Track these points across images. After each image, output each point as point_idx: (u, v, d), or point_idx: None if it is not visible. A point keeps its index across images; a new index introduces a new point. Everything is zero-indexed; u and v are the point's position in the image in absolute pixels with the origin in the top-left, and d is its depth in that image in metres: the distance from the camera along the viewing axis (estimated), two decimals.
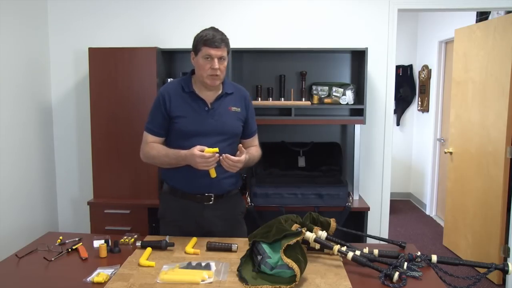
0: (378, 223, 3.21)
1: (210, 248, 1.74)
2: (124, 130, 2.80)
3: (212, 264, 1.57)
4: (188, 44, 3.01)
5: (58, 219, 3.29)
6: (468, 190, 3.64)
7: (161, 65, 2.84)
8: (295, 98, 2.99)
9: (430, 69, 5.16)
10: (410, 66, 5.64)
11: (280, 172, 2.81)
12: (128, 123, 2.79)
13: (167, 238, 1.82)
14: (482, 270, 1.73)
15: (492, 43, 3.33)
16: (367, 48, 2.80)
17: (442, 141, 4.86)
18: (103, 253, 1.69)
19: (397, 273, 1.46)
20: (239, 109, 1.96)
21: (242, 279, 1.47)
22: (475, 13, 3.99)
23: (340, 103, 2.89)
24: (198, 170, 1.76)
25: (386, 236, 3.21)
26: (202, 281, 1.45)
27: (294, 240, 1.47)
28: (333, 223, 1.77)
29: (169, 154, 1.85)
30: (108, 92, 2.78)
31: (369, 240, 2.47)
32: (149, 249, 1.71)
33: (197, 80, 1.91)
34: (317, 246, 1.60)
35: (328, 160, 2.87)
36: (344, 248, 1.61)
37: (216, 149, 1.73)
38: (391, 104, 3.14)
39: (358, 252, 1.58)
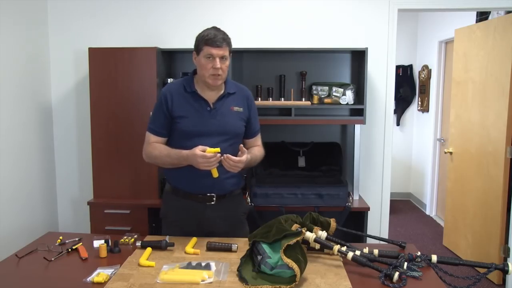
0: (378, 223, 3.21)
1: (210, 248, 1.74)
2: (124, 130, 2.80)
3: (212, 264, 1.57)
4: (188, 44, 3.04)
5: (58, 219, 3.29)
6: (468, 190, 3.64)
7: (161, 65, 2.84)
8: (295, 98, 2.99)
9: (430, 69, 5.16)
10: (410, 66, 5.65)
11: (280, 172, 2.81)
12: (128, 123, 2.79)
13: (167, 238, 1.82)
14: (482, 270, 1.73)
15: (492, 43, 3.33)
16: (367, 48, 2.80)
17: (442, 141, 4.86)
18: (103, 253, 1.69)
19: (397, 273, 1.46)
20: (241, 109, 1.96)
21: (242, 279, 1.47)
22: (475, 13, 3.99)
23: (340, 103, 2.89)
24: (200, 170, 1.76)
25: (386, 236, 3.21)
26: (202, 281, 1.45)
27: (294, 240, 1.47)
28: (333, 223, 1.77)
29: (171, 154, 1.85)
30: (108, 92, 2.78)
31: (369, 240, 2.47)
32: (149, 249, 1.71)
33: (199, 80, 1.91)
34: (317, 246, 1.60)
35: (328, 160, 2.87)
36: (344, 248, 1.61)
37: (218, 149, 1.73)
38: (391, 104, 3.14)
39: (358, 252, 1.58)
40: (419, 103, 5.51)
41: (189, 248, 1.73)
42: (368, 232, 2.86)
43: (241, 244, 1.76)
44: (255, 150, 2.02)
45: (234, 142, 1.90)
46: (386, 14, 3.05)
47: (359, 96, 2.90)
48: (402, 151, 5.78)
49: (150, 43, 3.02)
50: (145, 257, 1.64)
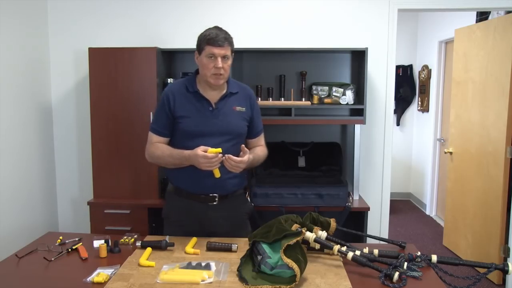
0: (378, 223, 3.21)
1: (210, 248, 1.74)
2: (124, 130, 2.80)
3: (212, 264, 1.57)
4: (188, 44, 3.05)
5: (58, 219, 3.29)
6: (468, 190, 3.64)
7: (161, 65, 2.84)
8: (295, 98, 2.99)
9: (430, 69, 5.16)
10: (410, 66, 5.65)
11: (280, 172, 2.81)
12: (128, 123, 2.79)
13: (167, 238, 1.82)
14: (482, 270, 1.73)
15: (492, 43, 3.33)
16: (367, 48, 2.80)
17: (442, 141, 4.86)
18: (103, 253, 1.69)
19: (397, 273, 1.46)
20: (244, 108, 1.95)
21: (242, 279, 1.47)
22: (475, 13, 3.99)
23: (340, 103, 2.89)
24: (202, 170, 1.76)
25: (386, 236, 3.21)
26: (202, 281, 1.45)
27: (294, 240, 1.47)
28: (333, 223, 1.77)
29: (173, 154, 1.85)
30: (108, 92, 2.78)
31: (369, 240, 2.47)
32: (149, 249, 1.71)
33: (201, 79, 1.91)
34: (317, 246, 1.60)
35: (328, 160, 2.87)
36: (344, 248, 1.61)
37: (219, 150, 1.73)
38: (391, 104, 3.14)
39: (358, 252, 1.58)
40: (419, 103, 5.51)
41: (189, 248, 1.73)
42: (368, 232, 2.86)
43: (241, 244, 1.76)
44: (257, 150, 2.01)
45: (236, 142, 1.89)
46: (386, 14, 3.05)
47: (359, 96, 2.90)
48: (402, 151, 5.78)
49: (150, 43, 3.02)
50: (145, 257, 1.64)
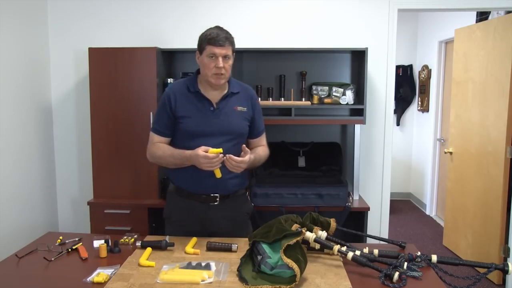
0: (378, 223, 3.21)
1: (210, 248, 1.74)
2: (124, 130, 2.80)
3: (212, 264, 1.57)
4: (188, 44, 3.05)
5: (58, 219, 3.29)
6: (468, 190, 3.64)
7: (161, 65, 2.84)
8: (295, 98, 2.99)
9: (430, 69, 5.16)
10: (410, 66, 5.65)
11: (280, 172, 2.81)
12: (128, 123, 2.79)
13: (167, 238, 1.82)
14: (482, 270, 1.73)
15: (492, 43, 3.33)
16: (367, 48, 2.80)
17: (442, 141, 4.86)
18: (103, 253, 1.69)
19: (397, 273, 1.46)
20: (245, 108, 1.95)
21: (242, 279, 1.47)
22: (475, 13, 3.99)
23: (340, 103, 2.89)
24: (203, 170, 1.76)
25: (386, 236, 3.21)
26: (202, 281, 1.45)
27: (294, 240, 1.47)
28: (333, 223, 1.77)
29: (174, 155, 1.85)
30: (108, 92, 2.78)
31: (369, 240, 2.47)
32: (149, 249, 1.71)
33: (203, 79, 1.90)
34: (317, 246, 1.60)
35: (328, 160, 2.87)
36: (344, 248, 1.61)
37: (220, 150, 1.73)
38: (391, 104, 3.14)
39: (358, 252, 1.58)
40: (419, 103, 5.51)
41: (189, 248, 1.73)
42: (368, 232, 2.86)
43: (241, 244, 1.76)
44: (259, 150, 2.01)
45: (238, 142, 1.89)
46: (386, 14, 3.05)
47: (359, 96, 2.90)
48: (402, 151, 5.78)
49: (150, 43, 3.02)
50: (145, 257, 1.64)
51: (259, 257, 1.51)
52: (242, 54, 3.00)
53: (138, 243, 1.76)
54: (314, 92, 2.96)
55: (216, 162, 1.73)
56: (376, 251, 1.64)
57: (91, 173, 2.87)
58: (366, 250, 1.65)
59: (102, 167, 2.83)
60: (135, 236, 1.88)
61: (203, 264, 1.57)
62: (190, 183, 1.91)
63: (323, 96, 2.95)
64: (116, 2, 3.10)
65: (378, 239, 1.92)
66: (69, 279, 1.52)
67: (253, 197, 2.67)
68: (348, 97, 2.89)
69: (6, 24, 2.68)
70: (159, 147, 1.91)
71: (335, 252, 1.58)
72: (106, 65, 2.77)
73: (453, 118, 3.95)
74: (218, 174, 1.79)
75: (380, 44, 3.08)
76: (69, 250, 1.74)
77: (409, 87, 5.63)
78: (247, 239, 1.70)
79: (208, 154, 1.72)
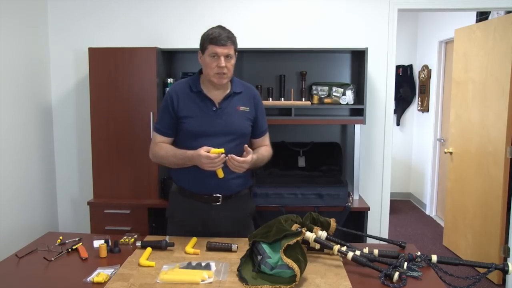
0: (378, 223, 3.21)
1: (210, 248, 1.74)
2: (124, 130, 2.80)
3: (212, 264, 1.57)
4: (188, 44, 3.05)
5: (58, 219, 3.29)
6: (468, 190, 3.64)
7: (161, 65, 2.84)
8: (295, 98, 2.99)
9: (430, 69, 5.16)
10: (410, 66, 5.65)
11: (280, 172, 2.81)
12: (128, 123, 2.79)
13: (167, 238, 1.82)
14: (482, 270, 1.73)
15: (492, 43, 3.33)
16: (367, 48, 2.80)
17: (442, 141, 4.86)
18: (103, 253, 1.69)
19: (397, 273, 1.46)
20: (247, 108, 1.94)
21: (242, 279, 1.47)
22: (475, 13, 3.99)
23: (340, 103, 2.89)
24: (206, 170, 1.75)
25: (386, 236, 3.21)
26: (202, 281, 1.45)
27: (294, 240, 1.47)
28: (333, 223, 1.77)
29: (177, 155, 1.85)
30: (108, 92, 2.78)
31: (369, 240, 2.47)
32: (149, 249, 1.71)
33: (205, 79, 1.90)
34: (317, 246, 1.60)
35: (328, 160, 2.87)
36: (344, 248, 1.61)
37: (222, 150, 1.72)
38: (391, 104, 3.14)
39: (358, 252, 1.58)
40: (419, 103, 5.51)
41: (189, 248, 1.73)
42: (368, 232, 2.86)
43: (241, 244, 1.76)
44: (262, 150, 2.00)
45: (240, 142, 1.88)
46: (386, 14, 3.05)
47: (359, 96, 2.90)
48: (402, 151, 5.78)
49: (150, 43, 3.02)
50: (145, 257, 1.64)
51: (259, 257, 1.51)
52: (242, 54, 2.99)
53: (138, 243, 1.76)
54: (314, 92, 2.96)
55: (218, 162, 1.72)
56: (376, 251, 1.64)
57: (91, 173, 2.87)
58: (366, 250, 1.65)
59: (102, 167, 2.83)
60: (135, 236, 1.88)
61: (203, 264, 1.57)
62: (192, 183, 1.91)
63: (323, 96, 2.95)
64: (116, 2, 3.10)
65: (378, 239, 1.92)
66: (69, 279, 1.52)
67: (253, 197, 2.67)
68: (348, 97, 2.89)
69: (6, 24, 2.68)
70: (162, 147, 1.91)
71: (335, 252, 1.58)
72: (106, 65, 2.77)
73: (453, 118, 3.95)
74: (221, 174, 1.79)
75: (380, 44, 3.08)
76: (69, 250, 1.74)
77: (409, 87, 5.63)
78: (247, 239, 1.70)
79: (210, 154, 1.71)
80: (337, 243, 1.66)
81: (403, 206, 5.59)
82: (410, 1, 3.05)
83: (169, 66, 3.03)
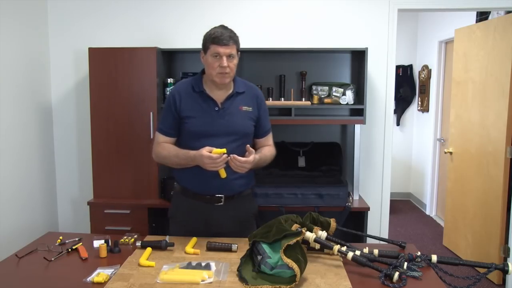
0: (378, 223, 3.21)
1: (210, 248, 1.74)
2: (124, 130, 2.79)
3: (212, 264, 1.57)
4: (188, 44, 3.05)
5: (58, 219, 3.29)
6: (468, 190, 3.64)
7: (161, 65, 2.84)
8: (295, 98, 2.99)
9: (430, 69, 5.16)
10: (410, 66, 5.65)
11: (280, 172, 2.81)
12: (128, 123, 2.79)
13: (167, 238, 1.82)
14: (482, 270, 1.73)
15: (492, 43, 3.33)
16: (367, 48, 2.80)
17: (442, 141, 4.86)
18: (103, 253, 1.69)
19: (397, 273, 1.46)
20: (250, 108, 1.94)
21: (242, 279, 1.47)
22: (475, 13, 3.99)
23: (340, 103, 2.89)
24: (208, 170, 1.75)
25: (386, 236, 3.21)
26: (202, 281, 1.45)
27: (294, 240, 1.47)
28: (333, 223, 1.77)
29: (179, 155, 1.85)
30: (108, 92, 2.78)
31: (369, 240, 2.47)
32: (149, 249, 1.71)
33: (207, 79, 1.90)
34: (317, 246, 1.60)
35: (328, 160, 2.87)
36: (344, 248, 1.61)
37: (224, 150, 1.72)
38: (391, 104, 3.14)
39: (358, 252, 1.58)
40: (419, 103, 5.51)
41: (189, 248, 1.73)
42: (368, 232, 2.86)
43: (241, 244, 1.76)
44: (265, 150, 1.99)
45: (243, 142, 1.87)
46: (386, 14, 3.05)
47: (359, 96, 2.90)
48: (402, 151, 5.78)
49: (150, 43, 3.02)
50: (145, 257, 1.64)
51: (259, 257, 1.51)
52: (242, 54, 2.95)
53: (138, 243, 1.76)
54: (314, 92, 2.96)
55: (220, 162, 1.72)
56: (376, 251, 1.64)
57: (91, 173, 2.87)
58: (366, 250, 1.65)
59: (102, 167, 2.83)
60: (135, 236, 1.88)
61: (203, 264, 1.57)
62: (195, 183, 1.90)
63: (323, 96, 2.95)
64: (116, 2, 3.10)
65: (378, 239, 1.92)
66: (69, 279, 1.52)
67: (253, 197, 2.67)
68: (348, 97, 2.89)
69: (6, 24, 2.68)
70: (164, 147, 1.90)
71: (335, 252, 1.58)
72: (106, 65, 2.77)
73: (453, 118, 3.95)
74: (223, 174, 1.78)
75: (380, 44, 3.08)
76: (69, 250, 1.74)
77: (409, 87, 5.63)
78: (247, 239, 1.70)
79: (211, 155, 1.71)
80: (337, 243, 1.66)
81: (403, 206, 5.59)
82: (410, 1, 3.05)
83: (169, 66, 3.03)
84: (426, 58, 5.29)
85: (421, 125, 5.52)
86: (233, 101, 1.91)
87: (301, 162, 2.85)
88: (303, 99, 2.97)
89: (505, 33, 3.17)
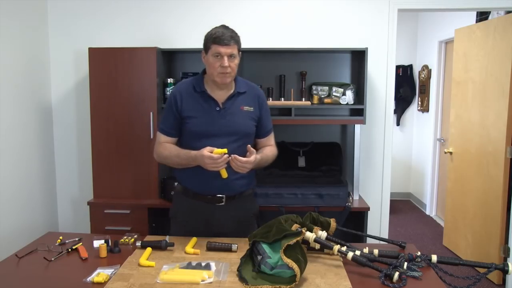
0: (378, 223, 3.21)
1: (210, 248, 1.74)
2: (124, 130, 2.79)
3: (212, 264, 1.57)
4: (188, 44, 3.05)
5: (58, 219, 3.29)
6: (468, 190, 3.64)
7: (161, 65, 2.84)
8: (295, 98, 2.99)
9: (430, 69, 5.16)
10: (410, 66, 5.65)
11: (280, 172, 2.81)
12: (128, 123, 2.79)
13: (167, 238, 1.82)
14: (482, 270, 1.73)
15: (492, 43, 3.33)
16: (367, 48, 2.80)
17: (442, 141, 4.86)
18: (103, 253, 1.69)
19: (397, 273, 1.46)
20: (251, 108, 1.93)
21: (242, 279, 1.47)
22: (475, 13, 3.99)
23: (340, 103, 2.89)
24: (209, 171, 1.75)
25: (386, 236, 3.21)
26: (202, 281, 1.45)
27: (294, 240, 1.47)
28: (333, 223, 1.77)
29: (180, 155, 1.85)
30: (108, 92, 2.78)
31: (369, 240, 2.47)
32: (149, 249, 1.71)
33: (209, 79, 1.89)
34: (317, 246, 1.60)
35: (328, 160, 2.87)
36: (344, 248, 1.61)
37: (225, 150, 1.72)
38: (391, 104, 3.14)
39: (358, 252, 1.58)
40: (419, 103, 5.51)
41: (189, 248, 1.73)
42: (368, 232, 2.86)
43: (241, 244, 1.76)
44: (266, 150, 1.99)
45: (244, 142, 1.87)
46: (386, 14, 3.05)
47: (359, 96, 2.90)
48: (402, 151, 5.78)
49: (150, 43, 3.02)
50: (145, 257, 1.64)
51: (259, 257, 1.51)
52: (242, 54, 2.97)
53: (138, 243, 1.76)
54: (314, 92, 2.96)
55: (220, 162, 1.72)
56: (376, 251, 1.64)
57: (91, 173, 2.87)
58: (366, 250, 1.65)
59: (102, 167, 2.83)
60: (135, 236, 1.88)
61: (203, 264, 1.57)
62: (196, 183, 1.90)
63: (323, 96, 2.95)
64: (116, 2, 3.10)
65: (378, 239, 1.92)
66: (69, 279, 1.52)
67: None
68: (348, 97, 2.89)
69: (6, 24, 2.68)
70: (166, 147, 1.90)
71: (335, 252, 1.58)
72: (106, 65, 2.77)
73: (453, 118, 3.95)
74: (224, 175, 1.78)
75: (380, 44, 3.08)
76: (69, 250, 1.74)
77: (409, 87, 5.63)
78: (247, 239, 1.70)
79: (212, 155, 1.71)
80: (337, 243, 1.66)
81: (403, 206, 5.59)
82: (410, 1, 3.05)
83: (169, 66, 3.03)
84: (426, 58, 5.29)
85: (421, 125, 5.52)
86: (234, 101, 1.91)
87: (301, 162, 2.85)
88: (303, 99, 2.97)
89: (505, 33, 3.17)
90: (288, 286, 1.41)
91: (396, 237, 4.07)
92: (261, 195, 2.67)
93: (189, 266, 1.56)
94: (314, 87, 2.97)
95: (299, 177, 2.79)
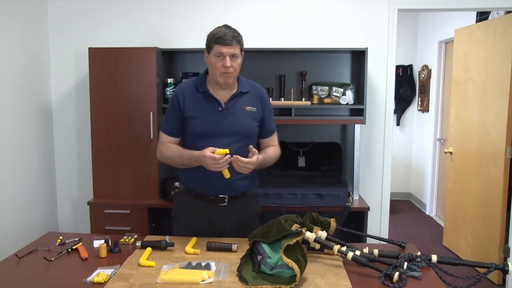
0: (378, 223, 3.21)
1: (210, 248, 1.74)
2: (124, 130, 2.79)
3: (212, 264, 1.57)
4: (188, 44, 3.05)
5: (58, 219, 3.29)
6: (468, 190, 3.64)
7: (161, 65, 2.84)
8: (295, 98, 2.99)
9: (430, 69, 5.16)
10: (410, 66, 5.65)
11: (280, 172, 2.80)
12: (128, 123, 2.79)
13: (167, 238, 1.82)
14: (482, 270, 1.73)
15: (492, 43, 3.33)
16: (367, 48, 2.80)
17: (442, 141, 4.86)
18: (103, 253, 1.69)
19: (397, 273, 1.46)
20: (254, 108, 1.93)
21: (242, 279, 1.47)
22: (475, 13, 3.99)
23: (340, 103, 2.89)
24: (211, 171, 1.75)
25: (386, 236, 3.21)
26: (202, 281, 1.45)
27: (294, 240, 1.47)
28: (333, 223, 1.77)
29: (183, 155, 1.85)
30: (108, 92, 2.78)
31: (369, 240, 2.47)
32: (149, 249, 1.71)
33: (211, 79, 1.89)
34: (317, 246, 1.60)
35: (328, 160, 2.87)
36: (344, 248, 1.61)
37: (227, 150, 1.72)
38: (391, 104, 3.14)
39: (358, 252, 1.58)
40: (419, 103, 5.51)
41: (189, 248, 1.73)
42: (368, 232, 2.86)
43: (241, 244, 1.76)
44: (269, 150, 1.99)
45: (246, 142, 1.86)
46: (386, 14, 3.05)
47: (359, 96, 2.90)
48: (402, 151, 5.78)
49: (150, 43, 3.02)
50: (145, 257, 1.64)
51: (259, 257, 1.51)
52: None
53: (138, 243, 1.76)
54: (314, 92, 2.96)
55: (222, 163, 1.72)
56: (376, 251, 1.64)
57: (91, 173, 2.87)
58: (366, 250, 1.65)
59: (102, 167, 2.83)
60: (135, 236, 1.88)
61: (203, 264, 1.57)
62: (198, 183, 1.90)
63: (323, 96, 2.95)
64: (116, 2, 3.10)
65: (378, 239, 1.92)
66: (69, 279, 1.52)
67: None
68: (348, 97, 2.89)
69: (6, 24, 2.68)
70: (168, 147, 1.90)
71: (335, 252, 1.58)
72: (106, 65, 2.77)
73: (453, 118, 3.95)
74: (227, 175, 1.78)
75: (380, 44, 3.08)
76: (69, 250, 1.74)
77: (409, 87, 5.63)
78: (247, 239, 1.70)
79: (214, 155, 1.71)
80: (337, 243, 1.66)
81: (403, 206, 5.59)
82: (410, 1, 3.05)
83: (169, 66, 3.03)
84: (426, 58, 5.29)
85: (421, 125, 5.52)
86: (237, 101, 1.90)
87: (301, 162, 2.85)
88: (303, 99, 2.97)
89: (505, 33, 3.17)
90: (288, 286, 1.41)
91: (396, 237, 4.07)
92: (261, 195, 2.66)
93: (189, 266, 1.56)
94: (314, 87, 2.97)
95: (299, 177, 2.79)
